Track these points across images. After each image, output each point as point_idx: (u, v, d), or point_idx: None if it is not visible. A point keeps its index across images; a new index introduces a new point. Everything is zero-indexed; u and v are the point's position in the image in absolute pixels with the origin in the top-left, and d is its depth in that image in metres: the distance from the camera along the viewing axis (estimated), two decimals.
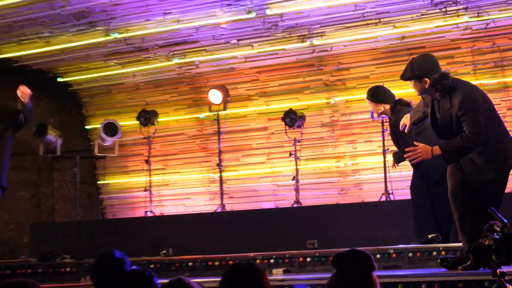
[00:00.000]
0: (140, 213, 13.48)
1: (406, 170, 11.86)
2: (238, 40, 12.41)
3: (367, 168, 12.71)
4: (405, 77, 7.77)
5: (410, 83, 7.77)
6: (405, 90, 11.14)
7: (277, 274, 9.14)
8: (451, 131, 7.66)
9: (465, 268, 7.57)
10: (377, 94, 9.59)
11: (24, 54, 13.12)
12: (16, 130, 9.79)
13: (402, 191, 11.72)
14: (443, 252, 8.86)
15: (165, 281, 3.38)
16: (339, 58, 12.90)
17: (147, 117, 13.19)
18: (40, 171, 14.39)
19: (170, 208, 13.85)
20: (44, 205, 14.43)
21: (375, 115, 9.69)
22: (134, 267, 5.08)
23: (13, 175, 13.67)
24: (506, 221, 5.24)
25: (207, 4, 11.27)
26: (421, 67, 7.64)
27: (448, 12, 11.24)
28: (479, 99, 7.61)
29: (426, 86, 7.64)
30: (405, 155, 8.12)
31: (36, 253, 12.03)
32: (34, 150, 13.70)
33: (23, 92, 9.47)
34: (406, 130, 8.54)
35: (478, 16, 11.32)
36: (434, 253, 9.04)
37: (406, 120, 8.43)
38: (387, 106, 9.55)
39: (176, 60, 13.24)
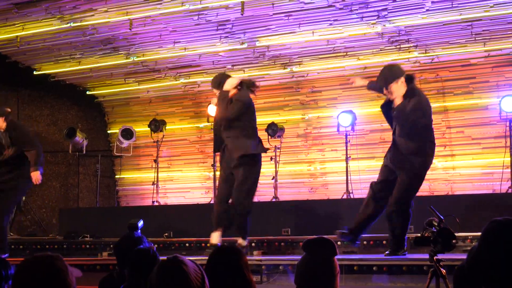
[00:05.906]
0: (148, 202, 13.40)
1: (364, 175, 11.91)
2: (232, 65, 12.37)
3: (333, 172, 12.67)
4: (387, 83, 7.83)
5: (389, 88, 7.77)
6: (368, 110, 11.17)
7: (257, 255, 9.13)
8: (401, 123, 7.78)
9: (387, 255, 7.69)
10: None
11: (60, 71, 13.06)
12: None
13: (360, 191, 11.73)
14: None
15: (165, 258, 3.35)
16: (313, 83, 12.88)
17: (157, 125, 13.12)
18: (68, 165, 14.30)
19: (173, 199, 13.78)
20: (71, 193, 14.34)
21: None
22: (141, 246, 5.04)
23: (46, 169, 13.59)
24: (442, 217, 5.26)
25: (208, 36, 11.27)
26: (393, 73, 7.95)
27: (401, 49, 11.26)
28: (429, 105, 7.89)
29: (403, 84, 7.72)
30: None
31: (62, 232, 12.00)
32: (64, 148, 13.67)
33: (37, 179, 9.52)
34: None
35: (426, 53, 11.33)
36: (384, 242, 9.05)
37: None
38: None
39: (182, 80, 13.17)
